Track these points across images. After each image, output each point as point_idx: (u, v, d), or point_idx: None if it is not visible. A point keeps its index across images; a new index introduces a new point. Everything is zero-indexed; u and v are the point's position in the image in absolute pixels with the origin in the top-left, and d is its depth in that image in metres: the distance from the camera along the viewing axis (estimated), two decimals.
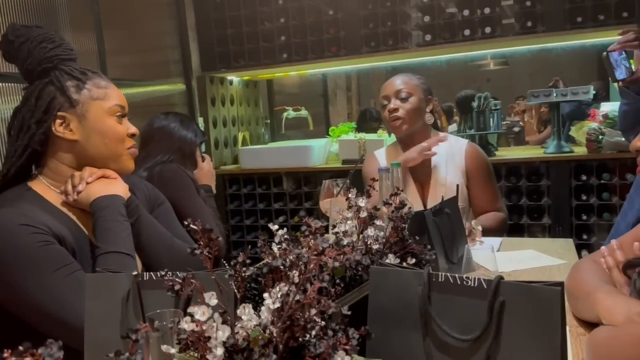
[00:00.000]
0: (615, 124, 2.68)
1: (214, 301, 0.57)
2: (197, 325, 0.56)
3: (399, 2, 3.10)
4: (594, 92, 2.89)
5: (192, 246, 0.67)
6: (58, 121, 1.15)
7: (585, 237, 2.83)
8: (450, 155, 1.97)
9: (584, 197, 2.80)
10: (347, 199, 1.05)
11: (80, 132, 1.17)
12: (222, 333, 0.55)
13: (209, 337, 0.55)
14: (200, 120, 3.40)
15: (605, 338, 0.81)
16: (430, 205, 1.87)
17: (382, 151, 2.15)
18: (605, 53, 1.55)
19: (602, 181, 2.76)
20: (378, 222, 1.04)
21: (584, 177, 2.79)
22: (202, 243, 0.64)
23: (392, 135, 2.05)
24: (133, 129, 1.26)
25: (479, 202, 1.94)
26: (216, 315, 0.56)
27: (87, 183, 1.15)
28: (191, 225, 0.65)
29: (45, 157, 1.18)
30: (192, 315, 0.57)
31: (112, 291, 0.81)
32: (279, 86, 4.63)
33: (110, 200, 1.15)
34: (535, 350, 0.62)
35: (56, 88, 1.15)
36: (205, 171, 1.99)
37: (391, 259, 0.95)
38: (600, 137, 2.72)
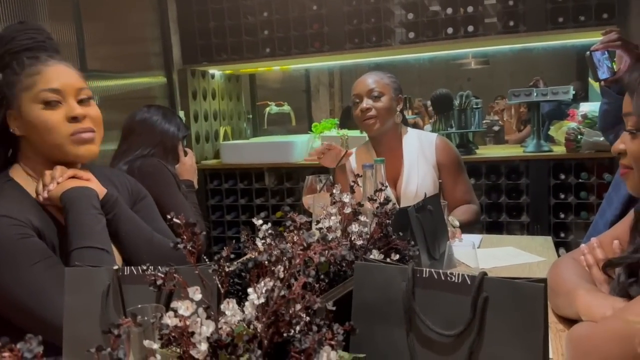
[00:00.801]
0: (593, 124, 2.72)
1: (198, 296, 0.57)
2: (180, 321, 0.55)
3: None
4: (574, 92, 2.94)
5: (173, 241, 0.65)
6: (9, 118, 1.13)
7: (562, 235, 2.87)
8: (421, 150, 1.99)
9: (562, 196, 2.85)
10: (331, 194, 1.04)
11: (22, 128, 1.13)
12: (207, 328, 0.54)
13: (193, 333, 0.54)
14: (181, 114, 3.36)
15: (584, 334, 0.82)
16: (403, 201, 1.90)
17: (359, 149, 2.15)
18: (588, 52, 1.57)
19: (580, 180, 2.81)
20: (362, 218, 1.05)
21: (562, 176, 2.83)
22: (185, 237, 0.63)
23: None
24: (75, 111, 1.13)
25: (452, 195, 1.95)
26: (200, 310, 0.56)
27: (58, 183, 1.12)
28: (174, 220, 0.64)
29: (20, 145, 1.16)
30: (175, 310, 0.56)
31: (91, 286, 0.80)
32: (261, 81, 4.60)
33: (80, 191, 1.11)
34: (517, 346, 0.63)
35: (1, 85, 1.13)
36: (188, 166, 1.97)
37: (375, 254, 0.95)
38: (579, 136, 2.76)
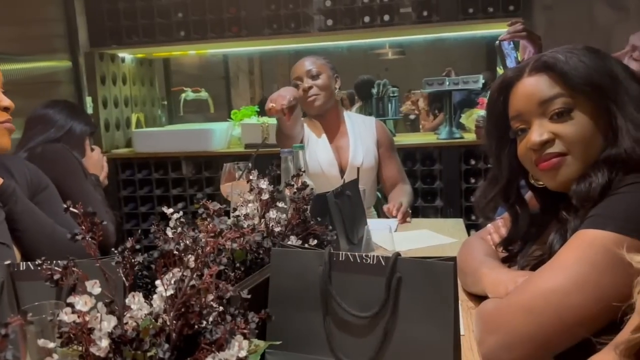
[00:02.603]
0: None
1: (96, 290, 0.52)
2: (78, 317, 0.51)
3: None
4: (483, 81, 3.07)
5: (72, 233, 0.60)
6: None
7: (473, 218, 3.02)
8: (364, 127, 2.15)
9: (473, 181, 2.99)
10: (249, 181, 1.02)
11: None
12: (107, 324, 0.50)
13: (92, 329, 0.50)
14: (89, 100, 3.17)
15: (491, 310, 0.86)
16: (349, 172, 2.01)
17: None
18: (497, 42, 1.65)
19: (489, 165, 2.95)
20: (280, 205, 1.03)
21: (472, 162, 2.97)
22: (84, 228, 0.59)
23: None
24: (4, 102, 1.11)
25: (389, 172, 2.15)
26: (100, 305, 0.52)
27: None
28: (71, 209, 0.59)
29: None
30: (72, 306, 0.51)
31: None
32: (176, 66, 4.42)
33: None
34: (430, 323, 0.64)
35: None
36: (94, 160, 1.86)
37: (293, 240, 0.94)
38: None
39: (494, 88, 0.99)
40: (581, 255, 0.76)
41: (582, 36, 2.58)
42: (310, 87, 2.03)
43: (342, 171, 2.05)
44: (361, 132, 2.13)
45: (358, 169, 1.72)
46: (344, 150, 2.09)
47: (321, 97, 2.04)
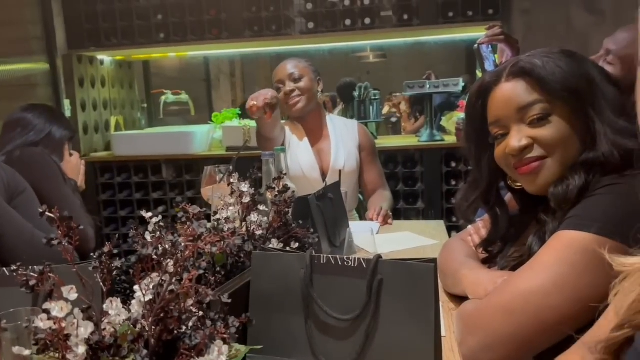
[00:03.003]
0: None
1: (73, 295, 0.51)
2: (55, 323, 0.50)
3: None
4: (463, 84, 3.11)
5: (47, 237, 0.59)
6: None
7: (454, 219, 3.04)
8: (346, 130, 2.15)
9: (454, 183, 3.01)
10: (230, 184, 1.01)
11: None
12: (84, 330, 0.49)
13: (69, 335, 0.49)
14: (67, 103, 3.12)
15: (471, 311, 0.87)
16: (330, 175, 2.01)
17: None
18: (476, 45, 1.67)
19: (469, 168, 2.98)
20: (261, 208, 1.02)
21: (453, 164, 3.00)
22: (60, 232, 0.57)
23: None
24: None
25: (370, 177, 2.15)
26: (77, 311, 0.51)
27: None
28: (47, 213, 0.58)
29: None
30: (48, 312, 0.50)
31: None
32: (156, 68, 4.38)
33: None
34: (411, 325, 0.64)
35: None
36: (73, 165, 1.83)
37: (274, 243, 0.94)
38: None
39: (472, 92, 0.99)
40: (560, 256, 0.77)
41: (559, 40, 2.62)
42: (292, 90, 2.02)
43: (323, 174, 2.05)
44: (343, 135, 2.13)
45: (340, 171, 1.72)
46: (325, 153, 2.09)
47: (303, 100, 2.04)
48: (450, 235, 1.80)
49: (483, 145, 0.99)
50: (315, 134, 2.11)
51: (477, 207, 1.04)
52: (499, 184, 1.02)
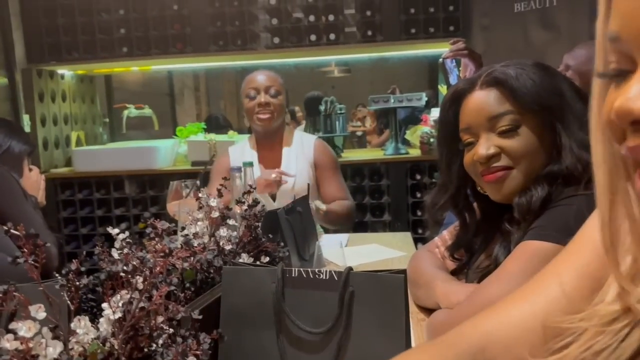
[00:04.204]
0: None
1: (41, 314, 0.50)
2: (21, 343, 0.48)
3: (246, 2, 3.09)
4: (426, 99, 3.17)
5: (12, 256, 0.57)
6: None
7: (420, 231, 3.08)
8: (301, 148, 2.09)
9: (419, 195, 3.06)
10: (198, 199, 1.00)
11: None
12: (53, 349, 0.48)
13: (37, 355, 0.48)
14: (26, 118, 3.03)
15: (442, 320, 0.88)
16: (279, 196, 1.92)
17: (237, 146, 2.18)
18: (441, 60, 1.71)
19: (433, 180, 3.04)
20: (231, 222, 1.02)
21: (418, 177, 3.04)
22: (26, 250, 0.56)
23: (239, 135, 2.07)
24: None
25: (328, 193, 2.07)
26: (45, 330, 0.49)
27: None
28: (12, 231, 0.56)
29: None
30: (14, 333, 0.49)
31: None
32: (118, 83, 4.31)
33: None
34: (382, 335, 0.65)
35: None
36: (32, 181, 1.78)
37: (245, 258, 0.93)
38: (431, 140, 2.99)
39: (445, 99, 1.01)
40: (525, 265, 0.80)
41: (518, 55, 2.71)
42: (267, 104, 2.00)
43: (273, 195, 1.95)
44: (297, 154, 2.08)
45: (308, 185, 1.72)
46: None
47: (275, 116, 2.02)
48: (417, 247, 1.82)
49: (454, 150, 1.01)
50: (269, 151, 2.06)
51: (445, 209, 1.06)
52: (467, 188, 1.04)
